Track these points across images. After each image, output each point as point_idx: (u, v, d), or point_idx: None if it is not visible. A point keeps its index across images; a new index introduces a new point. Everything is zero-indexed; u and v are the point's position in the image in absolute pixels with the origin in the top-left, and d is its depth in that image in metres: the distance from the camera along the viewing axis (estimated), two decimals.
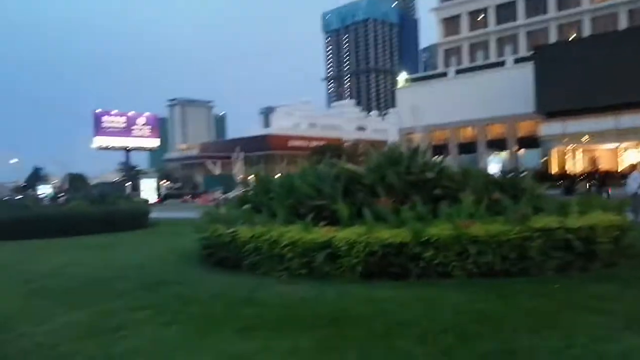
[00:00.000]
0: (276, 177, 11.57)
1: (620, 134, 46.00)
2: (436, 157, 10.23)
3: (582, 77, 44.93)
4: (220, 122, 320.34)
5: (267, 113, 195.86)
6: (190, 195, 64.01)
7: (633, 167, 17.24)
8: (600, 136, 47.02)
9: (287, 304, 6.06)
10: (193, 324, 5.45)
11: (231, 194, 50.63)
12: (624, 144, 47.28)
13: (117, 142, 71.88)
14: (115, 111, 73.39)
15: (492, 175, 9.17)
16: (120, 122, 72.38)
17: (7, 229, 16.53)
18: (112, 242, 14.43)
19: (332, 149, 72.01)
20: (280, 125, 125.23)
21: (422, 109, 51.26)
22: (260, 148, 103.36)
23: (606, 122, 45.60)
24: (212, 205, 30.06)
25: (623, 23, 57.49)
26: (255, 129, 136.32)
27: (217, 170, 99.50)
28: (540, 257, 7.25)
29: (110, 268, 9.52)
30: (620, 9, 58.50)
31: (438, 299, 6.02)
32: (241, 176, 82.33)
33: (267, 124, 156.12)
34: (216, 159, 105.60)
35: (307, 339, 4.80)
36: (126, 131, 72.42)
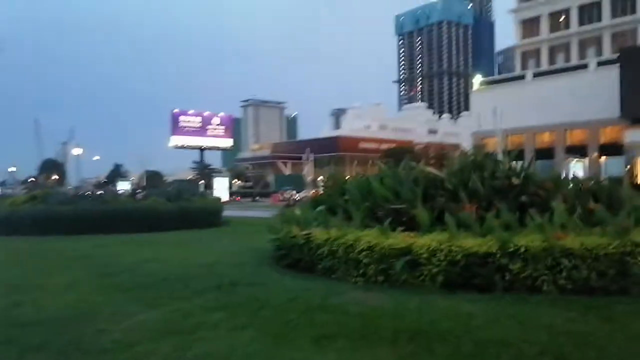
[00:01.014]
0: (348, 178, 11.33)
1: None
2: (516, 162, 9.57)
3: None
4: (291, 123, 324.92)
5: (337, 115, 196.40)
6: (258, 195, 65.03)
7: None
8: None
9: (364, 313, 5.78)
10: (268, 329, 5.29)
11: (301, 194, 51.15)
12: None
13: (192, 141, 74.45)
14: (192, 111, 76.03)
15: (585, 183, 8.47)
16: (196, 121, 74.94)
17: (87, 223, 17.23)
18: (186, 240, 14.72)
19: (403, 151, 71.07)
20: (350, 127, 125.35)
21: (497, 112, 49.40)
22: (330, 149, 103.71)
23: None
24: (282, 205, 30.42)
25: None
26: (326, 131, 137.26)
27: (287, 171, 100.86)
28: None
29: (185, 266, 9.62)
30: None
31: (530, 317, 5.53)
32: (311, 177, 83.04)
33: (337, 125, 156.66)
34: (287, 160, 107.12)
35: (389, 353, 4.50)
36: (201, 131, 74.90)
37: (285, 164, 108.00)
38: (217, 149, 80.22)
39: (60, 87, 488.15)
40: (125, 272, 9.08)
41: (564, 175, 9.90)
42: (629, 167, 46.34)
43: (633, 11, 59.59)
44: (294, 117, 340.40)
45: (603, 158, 52.28)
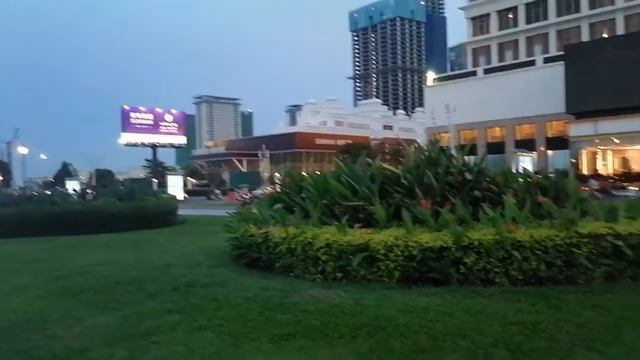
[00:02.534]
0: (305, 175, 11.33)
1: None
2: (469, 157, 9.81)
3: (615, 77, 43.75)
4: (246, 120, 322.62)
5: (293, 111, 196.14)
6: (213, 193, 64.09)
7: None
8: (632, 137, 45.69)
9: (324, 311, 5.80)
10: (227, 330, 5.24)
11: (258, 192, 50.77)
12: None
13: (144, 138, 72.71)
14: (143, 108, 74.22)
15: (534, 177, 8.76)
16: (147, 118, 73.21)
17: (34, 226, 16.62)
18: (140, 240, 14.39)
19: (359, 147, 71.59)
20: (306, 124, 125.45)
21: (450, 108, 50.49)
22: (287, 146, 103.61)
23: (639, 122, 44.23)
24: (238, 203, 30.09)
25: None
26: (282, 127, 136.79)
27: (243, 168, 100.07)
28: (588, 265, 6.86)
29: (139, 268, 9.40)
30: None
31: (484, 309, 5.68)
32: (267, 174, 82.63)
33: (293, 122, 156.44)
34: (242, 157, 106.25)
35: (349, 351, 4.53)
36: (154, 128, 73.24)
37: (240, 161, 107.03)
38: (171, 146, 78.61)
39: (3, 83, 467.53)
40: (76, 276, 8.80)
41: (514, 169, 10.20)
42: (573, 160, 48.25)
43: (577, 9, 61.97)
44: (249, 113, 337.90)
45: (550, 152, 54.32)
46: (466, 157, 9.43)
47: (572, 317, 5.34)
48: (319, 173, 10.32)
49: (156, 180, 64.73)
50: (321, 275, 7.43)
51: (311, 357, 4.44)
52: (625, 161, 49.01)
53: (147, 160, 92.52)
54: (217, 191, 62.87)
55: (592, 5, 61.11)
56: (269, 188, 60.21)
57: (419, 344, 4.65)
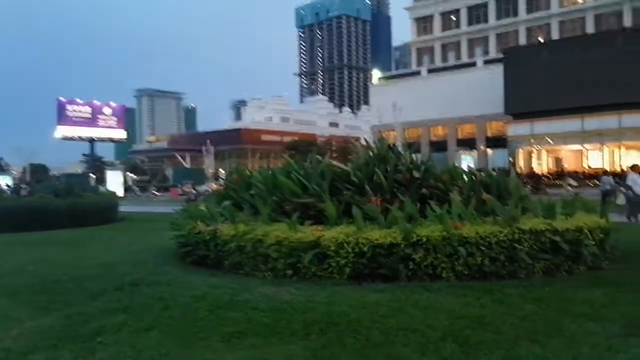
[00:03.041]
0: (252, 172, 11.23)
1: (585, 136, 47.11)
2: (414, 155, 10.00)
3: (550, 80, 45.84)
4: (190, 115, 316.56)
5: (238, 106, 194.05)
6: (156, 189, 62.54)
7: (633, 168, 17.19)
8: (565, 137, 48.09)
9: (275, 308, 5.77)
10: (176, 330, 5.12)
11: (202, 188, 49.95)
12: (588, 146, 48.40)
13: (81, 132, 69.79)
14: (80, 100, 71.32)
15: (478, 175, 9.04)
16: (85, 111, 70.34)
17: None
18: (80, 238, 13.86)
19: (306, 144, 71.75)
20: (252, 119, 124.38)
21: (395, 106, 51.43)
22: (232, 142, 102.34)
23: (571, 124, 46.61)
24: (183, 200, 29.46)
25: (590, 27, 58.83)
26: (227, 123, 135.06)
27: (186, 164, 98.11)
28: (528, 260, 7.15)
29: (80, 267, 9.04)
30: (587, 13, 59.90)
31: (432, 303, 5.82)
32: (212, 170, 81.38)
33: (238, 117, 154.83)
34: (186, 152, 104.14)
35: (302, 347, 4.52)
36: (91, 121, 70.44)
37: (184, 156, 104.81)
38: (110, 140, 75.80)
39: None
40: (11, 275, 8.37)
41: (457, 167, 10.45)
42: (511, 158, 50.21)
43: (515, 14, 64.45)
44: (192, 108, 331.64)
45: (489, 151, 56.31)
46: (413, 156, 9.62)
47: (515, 311, 5.55)
48: (265, 169, 10.23)
49: (94, 176, 62.51)
50: (271, 272, 7.39)
51: (264, 355, 4.40)
52: (558, 160, 51.46)
53: (84, 155, 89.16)
54: (152, 188, 61.36)
55: (529, 11, 63.74)
56: (213, 185, 59.40)
57: (371, 339, 4.70)
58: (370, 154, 9.06)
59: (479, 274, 7.01)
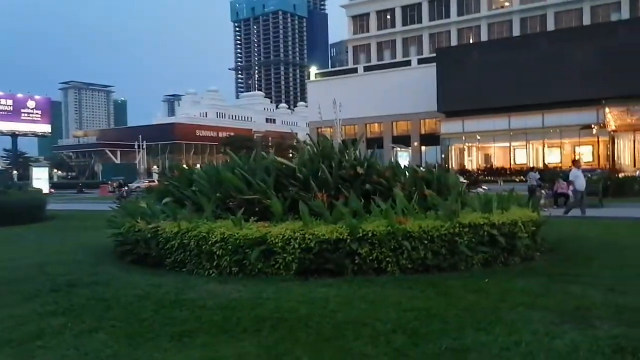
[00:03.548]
0: (197, 167, 11.01)
1: (512, 134, 49.46)
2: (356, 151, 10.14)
3: (480, 79, 47.82)
4: (120, 109, 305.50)
5: (172, 101, 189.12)
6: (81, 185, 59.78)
7: (573, 163, 18.05)
8: (494, 135, 50.30)
9: (223, 305, 5.69)
10: (121, 331, 4.94)
11: (134, 185, 48.31)
12: (515, 143, 50.84)
13: (2, 126, 65.86)
14: (1, 92, 67.20)
15: (419, 171, 9.28)
16: (6, 104, 66.39)
17: None
18: (7, 238, 13.09)
19: (242, 140, 71.01)
20: (186, 114, 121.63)
21: (334, 103, 51.84)
22: (165, 137, 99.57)
23: (500, 122, 48.79)
24: (114, 197, 28.39)
25: (516, 30, 61.68)
26: (160, 117, 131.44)
27: (117, 160, 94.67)
28: (468, 252, 7.43)
29: (8, 267, 8.53)
30: (514, 16, 62.69)
31: (380, 297, 5.93)
32: (144, 166, 78.96)
33: (172, 112, 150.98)
34: (116, 148, 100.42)
35: (253, 344, 4.49)
36: (13, 115, 66.57)
37: (114, 152, 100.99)
38: (33, 135, 71.94)
39: None
40: None
41: (395, 163, 10.66)
42: (443, 155, 51.91)
43: (447, 15, 66.51)
44: (122, 101, 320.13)
45: (423, 147, 57.95)
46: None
47: (458, 302, 5.76)
48: (209, 165, 10.05)
49: (16, 172, 59.15)
50: (216, 270, 7.28)
51: (215, 353, 4.33)
52: (487, 157, 53.72)
53: (5, 150, 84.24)
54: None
55: (460, 12, 65.95)
56: (146, 181, 57.37)
57: (322, 333, 4.73)
58: (314, 150, 9.08)
59: (422, 267, 7.22)
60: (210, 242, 7.27)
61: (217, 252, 7.21)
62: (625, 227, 12.90)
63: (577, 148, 49.03)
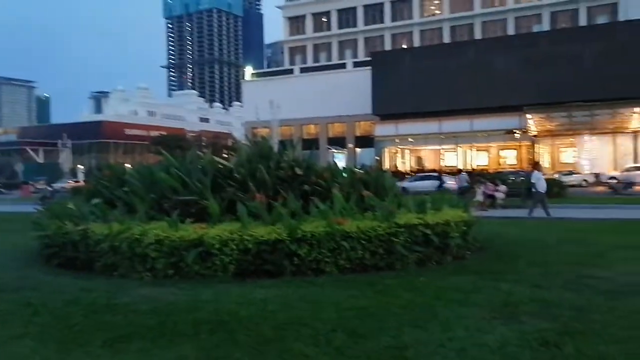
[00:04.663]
0: (128, 167, 10.63)
1: (442, 138, 51.21)
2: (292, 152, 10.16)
3: (413, 84, 49.20)
4: (43, 106, 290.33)
5: (99, 98, 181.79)
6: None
7: (534, 166, 18.66)
8: (426, 138, 51.89)
9: (158, 309, 5.52)
10: (50, 337, 4.69)
11: (58, 185, 46.05)
12: (445, 146, 52.68)
13: None
14: None
15: (358, 173, 9.41)
16: None
17: None
18: None
19: (174, 139, 69.30)
20: (115, 112, 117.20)
21: (270, 104, 51.63)
22: (92, 136, 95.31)
23: (431, 126, 50.37)
24: (35, 198, 26.91)
25: (446, 37, 63.95)
26: (86, 115, 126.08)
27: (39, 159, 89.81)
28: (404, 252, 7.61)
29: None
30: (444, 24, 64.96)
31: (319, 297, 5.96)
32: (69, 166, 75.31)
33: (99, 109, 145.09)
34: (38, 146, 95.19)
35: (194, 348, 4.38)
36: None
37: (36, 151, 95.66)
38: None
39: None
40: None
41: (333, 164, 10.77)
42: (377, 157, 52.94)
43: (381, 20, 67.94)
44: (45, 98, 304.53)
45: (358, 149, 58.83)
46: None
47: (395, 300, 5.89)
48: (144, 165, 9.74)
49: None
50: (150, 273, 7.05)
51: (152, 358, 4.19)
52: (419, 159, 55.32)
53: None
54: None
55: (394, 18, 67.56)
56: (71, 181, 54.82)
57: (263, 335, 4.70)
58: (252, 150, 9.01)
59: (360, 267, 7.32)
60: (143, 244, 7.03)
61: (152, 255, 6.99)
62: (546, 227, 13.66)
63: (502, 152, 51.50)
